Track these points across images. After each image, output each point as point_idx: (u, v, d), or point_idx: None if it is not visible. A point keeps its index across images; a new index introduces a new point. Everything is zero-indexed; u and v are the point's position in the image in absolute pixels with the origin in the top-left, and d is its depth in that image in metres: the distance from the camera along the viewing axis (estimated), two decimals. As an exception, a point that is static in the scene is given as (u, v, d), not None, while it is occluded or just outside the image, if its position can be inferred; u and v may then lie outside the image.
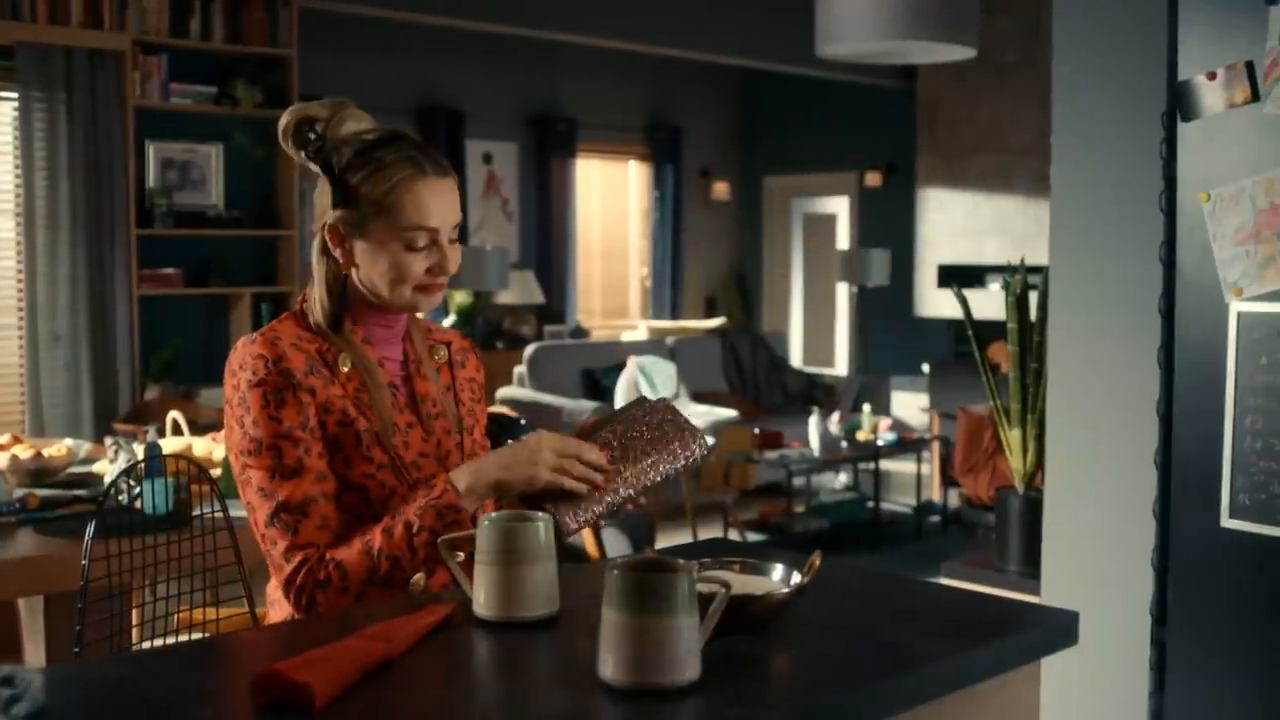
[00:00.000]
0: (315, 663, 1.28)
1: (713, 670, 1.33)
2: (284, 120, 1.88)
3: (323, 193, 1.87)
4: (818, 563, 1.56)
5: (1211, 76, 2.23)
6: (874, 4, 5.69)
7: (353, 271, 1.88)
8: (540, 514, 1.57)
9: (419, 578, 1.79)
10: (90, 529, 2.34)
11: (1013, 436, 2.97)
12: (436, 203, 1.85)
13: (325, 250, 1.89)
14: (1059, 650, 1.59)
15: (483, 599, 1.54)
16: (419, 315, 1.98)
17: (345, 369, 1.85)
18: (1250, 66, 2.18)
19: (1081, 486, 2.59)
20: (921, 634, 1.49)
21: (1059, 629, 1.58)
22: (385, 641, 1.39)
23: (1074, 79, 2.58)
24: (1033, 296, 2.93)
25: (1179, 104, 2.28)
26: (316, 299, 1.89)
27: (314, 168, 1.88)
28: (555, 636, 1.51)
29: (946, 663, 1.39)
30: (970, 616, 1.61)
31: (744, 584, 1.55)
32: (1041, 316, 2.83)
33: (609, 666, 1.29)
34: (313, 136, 1.87)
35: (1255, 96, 2.18)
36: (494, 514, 1.56)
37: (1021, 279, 2.96)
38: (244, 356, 1.81)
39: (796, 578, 1.55)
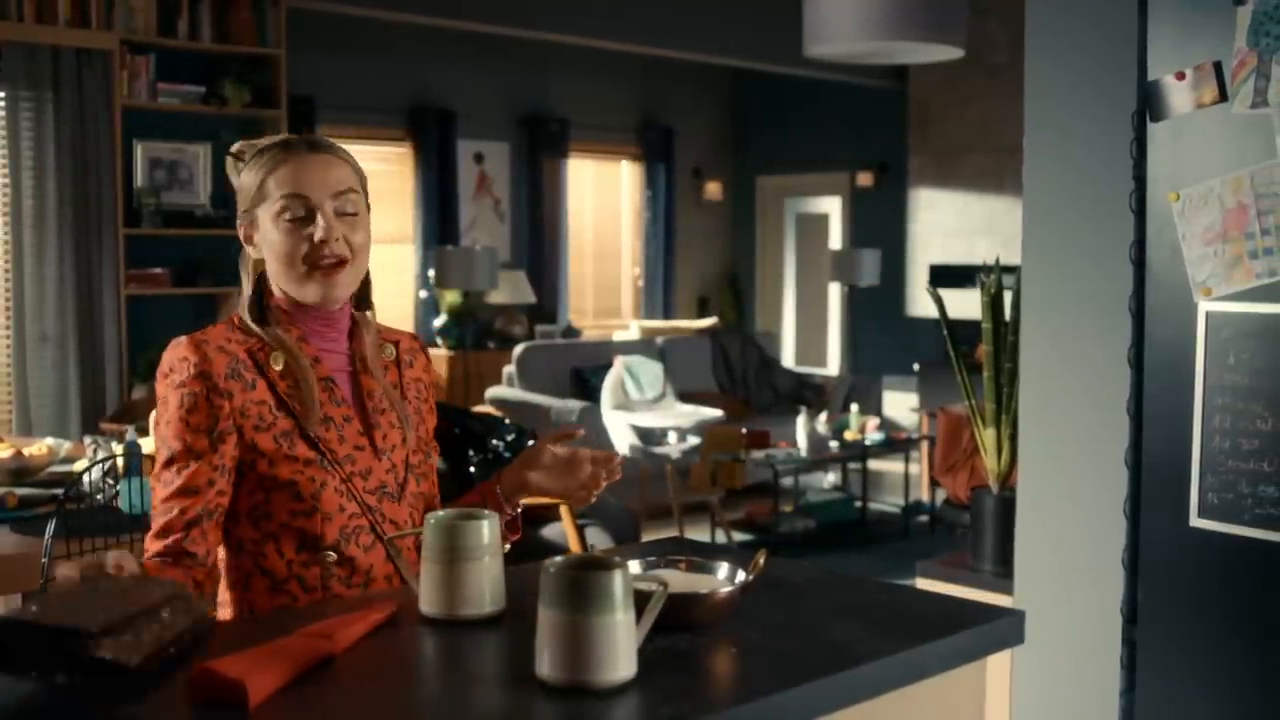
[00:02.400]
0: (251, 660, 1.28)
1: (650, 668, 1.33)
2: (234, 148, 1.95)
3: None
4: (762, 561, 1.55)
5: (1180, 77, 2.23)
6: (860, 4, 5.70)
7: (267, 267, 1.90)
8: (486, 512, 1.56)
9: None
10: (50, 528, 2.33)
11: (987, 436, 2.96)
12: (307, 172, 1.85)
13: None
14: (1004, 649, 1.59)
15: (427, 597, 1.54)
16: (323, 301, 1.89)
17: (278, 367, 1.85)
18: (1218, 67, 2.18)
19: (1053, 486, 2.59)
20: (864, 632, 1.49)
21: (1004, 628, 1.58)
22: (326, 639, 1.39)
23: (1046, 78, 2.57)
24: (1010, 296, 2.92)
25: (1148, 104, 2.28)
26: (244, 297, 1.90)
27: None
28: (498, 634, 1.51)
29: (886, 661, 1.39)
30: (916, 615, 1.60)
31: (689, 582, 1.55)
32: (1015, 316, 2.82)
33: (544, 664, 1.29)
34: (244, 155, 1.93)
35: (1223, 96, 2.18)
36: (440, 513, 1.56)
37: (996, 278, 2.95)
38: (171, 360, 1.82)
39: (741, 576, 1.54)
